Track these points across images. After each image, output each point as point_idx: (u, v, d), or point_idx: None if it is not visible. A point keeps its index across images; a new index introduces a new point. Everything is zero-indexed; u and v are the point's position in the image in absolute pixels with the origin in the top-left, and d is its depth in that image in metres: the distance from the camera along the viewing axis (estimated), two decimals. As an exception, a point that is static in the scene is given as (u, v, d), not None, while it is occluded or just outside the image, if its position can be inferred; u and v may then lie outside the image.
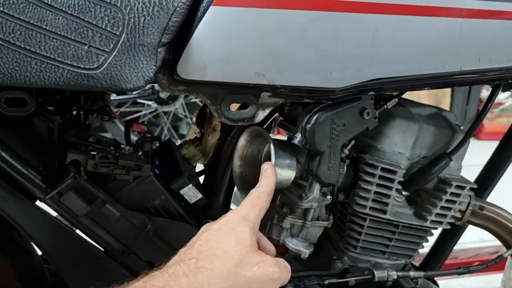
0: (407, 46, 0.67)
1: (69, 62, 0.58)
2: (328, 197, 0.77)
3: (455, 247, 2.06)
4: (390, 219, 0.84)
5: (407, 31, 0.66)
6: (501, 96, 3.66)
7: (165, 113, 3.03)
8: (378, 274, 0.83)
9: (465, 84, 0.76)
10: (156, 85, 3.00)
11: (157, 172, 0.79)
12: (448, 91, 3.33)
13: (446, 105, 3.31)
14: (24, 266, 0.88)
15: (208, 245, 0.57)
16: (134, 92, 3.05)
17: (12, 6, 0.55)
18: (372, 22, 0.64)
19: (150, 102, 2.99)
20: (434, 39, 0.67)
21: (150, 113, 3.06)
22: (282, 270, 0.59)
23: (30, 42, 0.57)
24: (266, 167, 0.70)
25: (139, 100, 3.02)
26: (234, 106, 0.71)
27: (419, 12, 0.65)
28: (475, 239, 1.98)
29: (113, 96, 2.92)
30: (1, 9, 0.55)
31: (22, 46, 0.57)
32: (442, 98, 3.29)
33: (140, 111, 3.02)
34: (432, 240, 1.03)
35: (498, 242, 0.99)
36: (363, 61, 0.66)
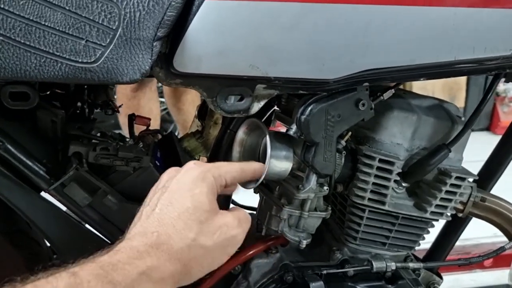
0: (400, 36, 0.67)
1: (67, 56, 0.60)
2: (325, 188, 0.78)
3: (468, 243, 2.04)
4: (390, 211, 0.84)
5: (400, 21, 0.66)
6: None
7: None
8: (377, 265, 0.84)
9: (463, 74, 0.76)
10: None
11: (158, 164, 0.81)
12: (463, 85, 3.28)
13: (461, 100, 3.26)
14: (33, 256, 0.91)
15: (168, 213, 0.57)
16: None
17: (12, 3, 0.57)
18: (364, 12, 0.65)
19: (163, 99, 3.03)
20: (427, 29, 0.67)
21: (164, 109, 3.09)
22: (244, 226, 0.61)
23: (30, 37, 0.59)
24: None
25: (152, 97, 3.05)
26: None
27: (412, 2, 0.65)
28: (488, 234, 1.95)
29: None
30: (2, 6, 0.57)
31: (22, 41, 0.59)
32: (457, 92, 3.24)
33: (153, 108, 3.05)
34: (435, 232, 1.03)
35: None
36: (356, 52, 0.67)
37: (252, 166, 0.70)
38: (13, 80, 0.61)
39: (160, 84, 3.10)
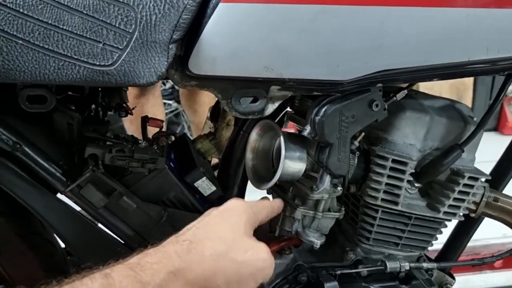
0: (413, 37, 0.67)
1: (85, 60, 0.61)
2: (339, 188, 0.78)
3: (478, 243, 2.04)
4: (403, 211, 0.84)
5: (413, 23, 0.66)
6: (526, 90, 3.56)
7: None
8: (390, 265, 0.84)
9: (476, 74, 0.76)
10: (176, 85, 3.04)
11: (172, 165, 0.82)
12: (470, 85, 3.27)
13: (468, 100, 3.25)
14: (48, 257, 0.92)
15: (204, 229, 0.60)
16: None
17: (31, 7, 0.58)
18: (378, 14, 0.65)
19: (170, 102, 3.04)
20: (440, 30, 0.67)
21: (171, 112, 3.10)
22: (271, 261, 0.62)
23: (48, 41, 0.60)
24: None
25: (160, 100, 3.06)
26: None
27: (425, 3, 0.66)
28: (497, 235, 1.94)
29: (135, 96, 2.97)
30: (21, 10, 0.58)
31: (41, 45, 0.60)
32: (464, 92, 3.23)
33: (161, 110, 3.06)
34: (448, 232, 1.03)
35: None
36: (370, 53, 0.67)
37: (276, 204, 0.74)
38: (32, 83, 0.62)
39: (166, 87, 3.11)
